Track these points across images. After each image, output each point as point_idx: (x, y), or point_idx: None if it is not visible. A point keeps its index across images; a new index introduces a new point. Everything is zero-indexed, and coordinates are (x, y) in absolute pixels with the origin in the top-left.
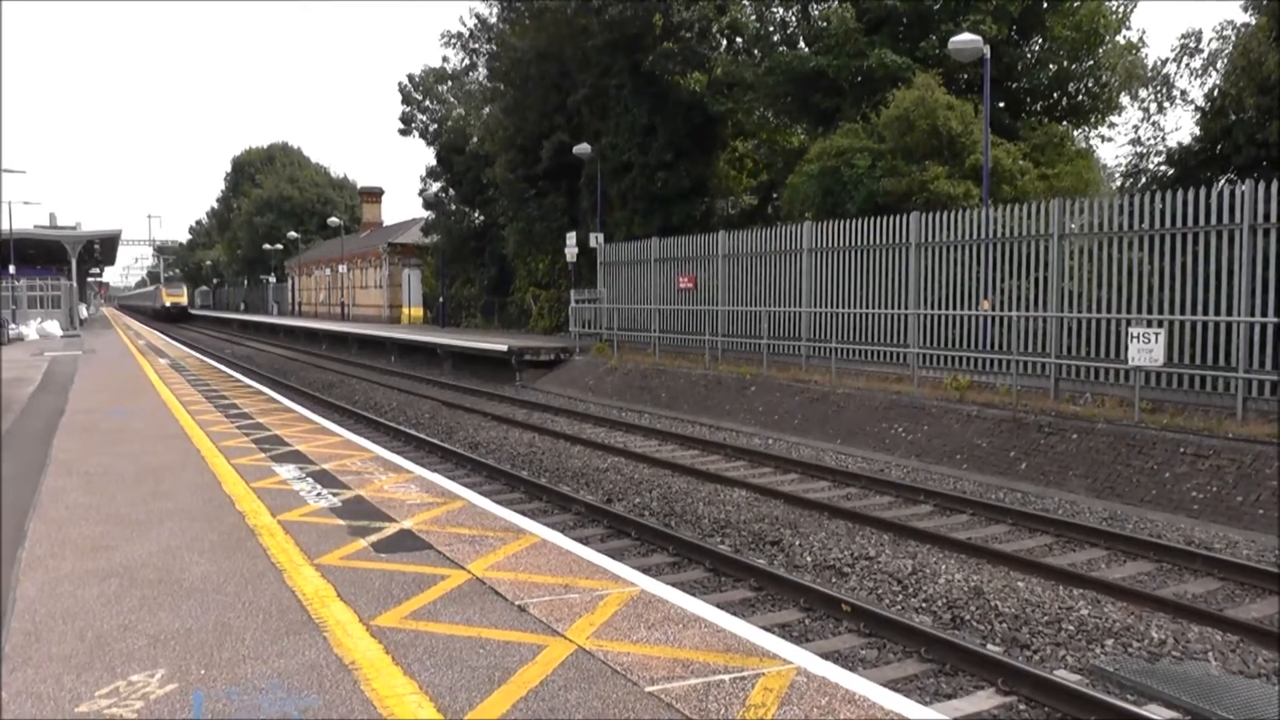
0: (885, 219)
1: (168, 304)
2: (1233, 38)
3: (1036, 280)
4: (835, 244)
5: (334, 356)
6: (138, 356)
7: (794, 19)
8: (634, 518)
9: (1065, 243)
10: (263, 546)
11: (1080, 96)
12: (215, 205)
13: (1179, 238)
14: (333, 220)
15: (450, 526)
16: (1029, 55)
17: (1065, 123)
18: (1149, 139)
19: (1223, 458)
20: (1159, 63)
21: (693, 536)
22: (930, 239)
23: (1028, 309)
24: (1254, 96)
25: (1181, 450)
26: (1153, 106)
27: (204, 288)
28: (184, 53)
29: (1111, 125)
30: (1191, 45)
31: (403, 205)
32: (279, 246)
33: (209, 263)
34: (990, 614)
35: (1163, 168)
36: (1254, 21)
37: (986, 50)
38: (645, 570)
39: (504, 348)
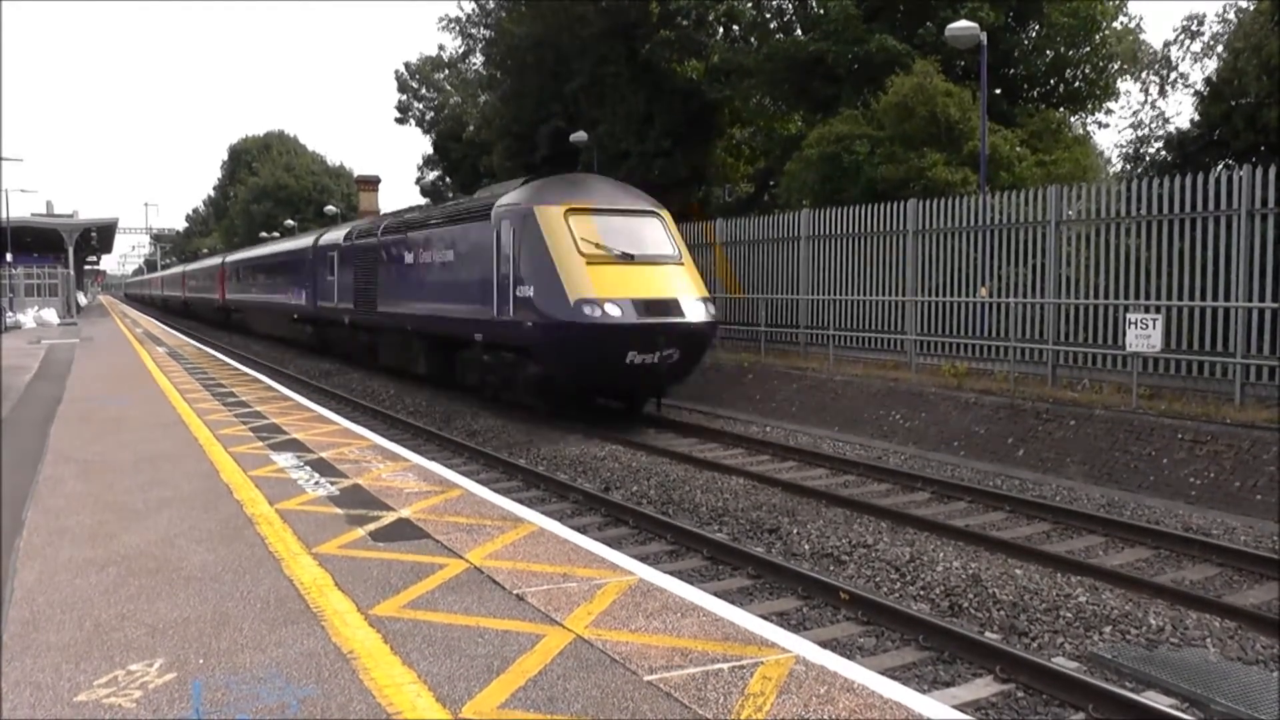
0: (883, 206)
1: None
2: (1235, 21)
3: (1034, 267)
4: (833, 231)
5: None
6: (135, 345)
7: (791, 5)
8: (632, 506)
9: (1063, 229)
10: (260, 535)
11: (1077, 83)
12: (212, 193)
13: (1176, 223)
14: (329, 208)
15: (448, 515)
16: (1026, 42)
17: (1062, 109)
18: (1149, 121)
19: (1220, 443)
20: (1164, 44)
21: (690, 524)
22: (928, 226)
23: (1025, 295)
24: (1258, 80)
25: (1179, 436)
26: (1153, 88)
27: None
28: (180, 40)
29: (1108, 111)
30: (1193, 29)
31: (400, 193)
32: (276, 235)
33: (205, 250)
34: (988, 601)
35: (1161, 153)
36: (1255, 5)
37: (984, 37)
38: (643, 558)
39: None
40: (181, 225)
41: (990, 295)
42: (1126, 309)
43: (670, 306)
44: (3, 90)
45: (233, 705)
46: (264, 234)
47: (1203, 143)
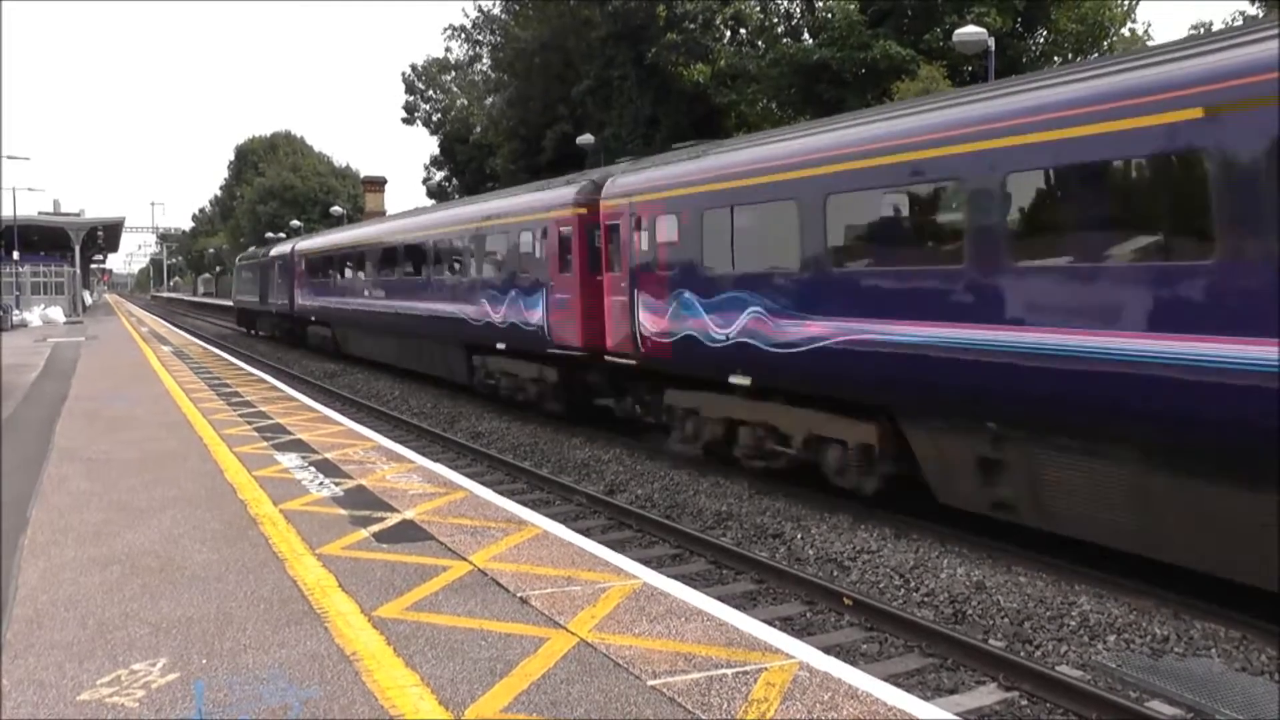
0: None
1: None
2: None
3: None
4: None
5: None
6: (140, 343)
7: (798, 10)
8: (636, 509)
9: None
10: (264, 535)
11: None
12: (218, 193)
13: None
14: (335, 209)
15: (452, 517)
16: (1034, 48)
17: None
18: None
19: None
20: None
21: (695, 529)
22: None
23: None
24: None
25: None
26: None
27: (207, 275)
28: (187, 40)
29: None
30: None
31: (406, 194)
32: (282, 235)
33: (211, 250)
34: (992, 609)
35: None
36: (1261, 14)
37: (991, 43)
38: (647, 562)
39: None
40: (188, 225)
41: None
42: None
43: None
44: (8, 88)
45: (235, 706)
46: (269, 234)
47: None
